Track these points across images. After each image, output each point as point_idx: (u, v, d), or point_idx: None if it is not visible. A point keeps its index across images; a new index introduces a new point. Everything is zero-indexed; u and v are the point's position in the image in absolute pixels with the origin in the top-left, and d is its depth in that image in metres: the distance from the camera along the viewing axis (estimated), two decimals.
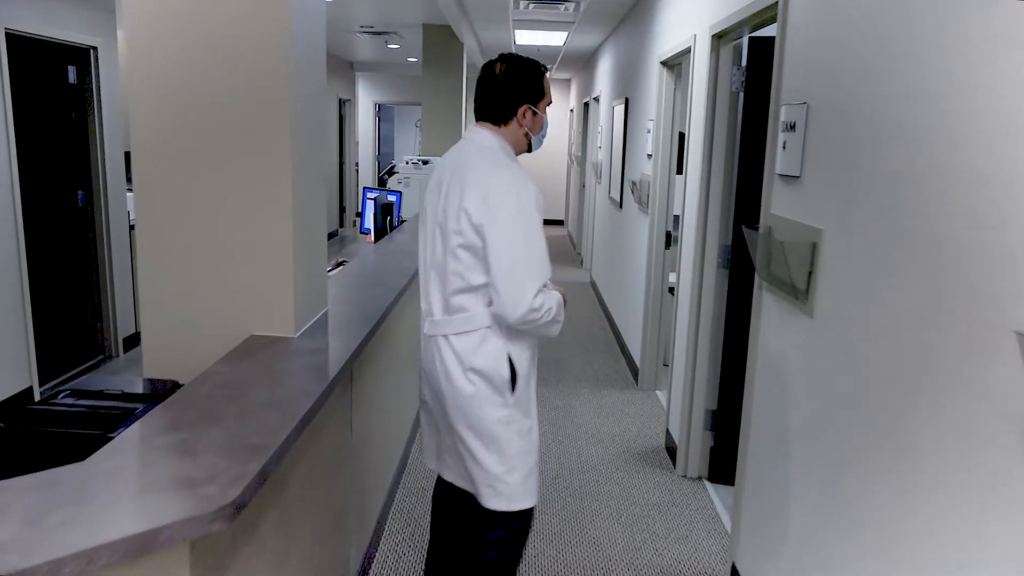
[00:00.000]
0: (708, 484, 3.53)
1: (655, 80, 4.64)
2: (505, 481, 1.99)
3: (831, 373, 1.94)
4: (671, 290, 4.86)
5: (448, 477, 2.13)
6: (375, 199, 4.31)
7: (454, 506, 2.33)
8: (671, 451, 3.80)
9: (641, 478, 3.57)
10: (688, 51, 3.74)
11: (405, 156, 8.31)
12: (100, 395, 1.80)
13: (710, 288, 3.42)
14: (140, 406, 1.75)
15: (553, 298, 1.95)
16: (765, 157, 2.48)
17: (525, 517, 2.09)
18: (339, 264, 4.51)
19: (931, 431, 1.45)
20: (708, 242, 3.38)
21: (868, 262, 1.75)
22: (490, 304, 1.96)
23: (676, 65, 4.38)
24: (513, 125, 2.05)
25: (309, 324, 2.16)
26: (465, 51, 7.72)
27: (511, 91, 2.04)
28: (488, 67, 2.08)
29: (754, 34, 3.14)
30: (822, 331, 2.00)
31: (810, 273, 2.06)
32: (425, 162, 7.53)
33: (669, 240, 4.67)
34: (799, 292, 2.11)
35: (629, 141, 5.72)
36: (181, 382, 1.90)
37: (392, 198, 4.59)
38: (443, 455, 2.14)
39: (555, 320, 1.97)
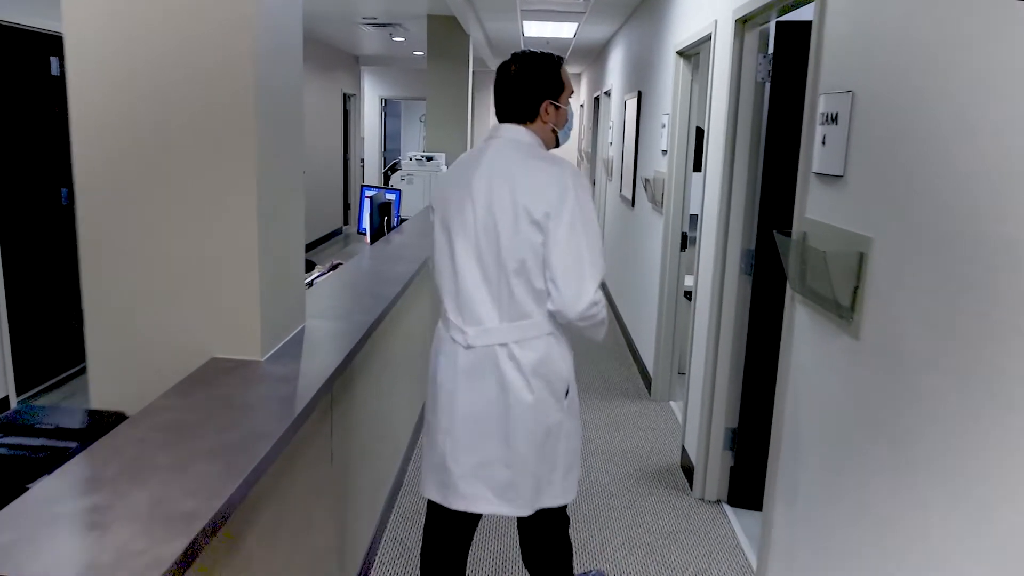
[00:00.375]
0: (728, 508, 3.26)
1: (671, 72, 4.36)
2: (550, 480, 1.98)
3: (880, 402, 1.66)
4: (687, 294, 4.58)
5: (461, 505, 1.97)
6: (372, 198, 4.05)
7: (458, 540, 2.12)
8: (687, 470, 3.53)
9: (655, 501, 3.30)
10: (708, 39, 3.45)
11: (409, 152, 8.05)
12: (30, 431, 1.55)
13: (731, 296, 3.14)
14: (74, 444, 1.50)
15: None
16: (800, 154, 2.20)
17: (564, 512, 2.12)
18: (333, 267, 4.25)
19: (1004, 474, 1.18)
20: (730, 246, 3.11)
21: (928, 277, 1.47)
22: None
23: (694, 55, 4.10)
24: (538, 123, 2.01)
25: (281, 344, 1.90)
26: (471, 43, 7.45)
27: (530, 90, 1.98)
28: (503, 68, 2.02)
29: (782, 18, 2.86)
30: (870, 355, 1.72)
31: (856, 288, 1.78)
32: (429, 158, 7.27)
33: (685, 242, 4.39)
34: (842, 309, 1.84)
35: (642, 137, 5.44)
36: (128, 413, 1.65)
37: (390, 196, 4.33)
38: (458, 484, 1.96)
39: (604, 320, 1.96)
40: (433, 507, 2.13)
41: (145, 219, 1.73)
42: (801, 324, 2.17)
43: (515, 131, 1.98)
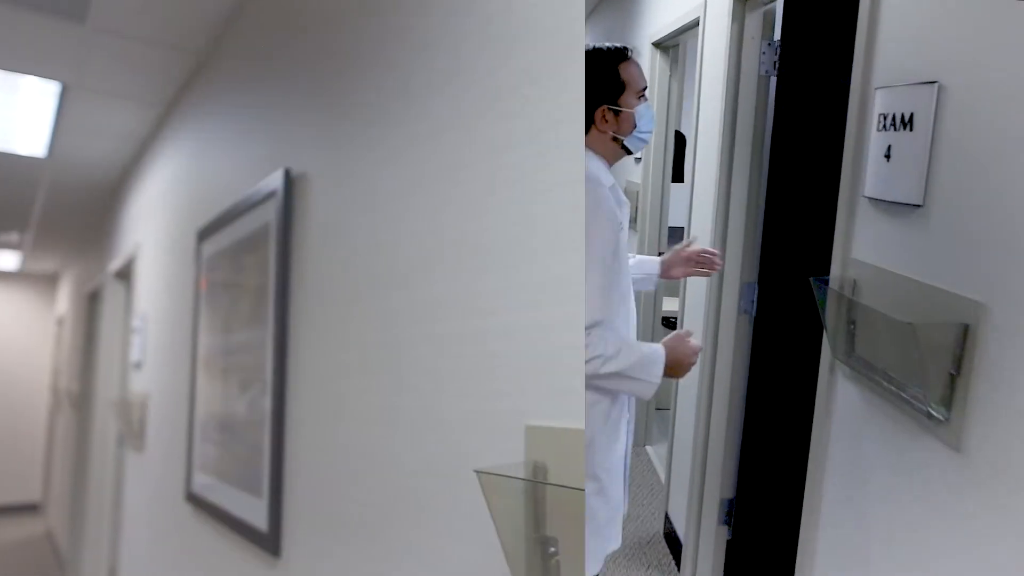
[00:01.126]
0: None
1: (645, 67, 3.77)
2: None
3: (992, 543, 1.08)
4: (665, 321, 4.02)
5: None
6: None
7: None
8: (672, 540, 2.94)
9: None
10: (695, 24, 2.87)
11: None
12: None
13: (728, 341, 2.55)
14: None
15: (615, 346, 1.54)
16: (841, 170, 1.61)
17: None
18: None
19: None
20: (726, 279, 2.52)
21: None
22: None
23: (672, 47, 3.53)
24: (593, 132, 1.70)
25: None
26: None
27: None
28: None
29: None
30: (982, 479, 1.14)
31: (954, 376, 1.20)
32: None
33: None
34: (931, 403, 1.25)
35: None
36: None
37: None
38: None
39: (623, 375, 1.56)
40: None
41: None
42: (848, 405, 1.58)
43: None
